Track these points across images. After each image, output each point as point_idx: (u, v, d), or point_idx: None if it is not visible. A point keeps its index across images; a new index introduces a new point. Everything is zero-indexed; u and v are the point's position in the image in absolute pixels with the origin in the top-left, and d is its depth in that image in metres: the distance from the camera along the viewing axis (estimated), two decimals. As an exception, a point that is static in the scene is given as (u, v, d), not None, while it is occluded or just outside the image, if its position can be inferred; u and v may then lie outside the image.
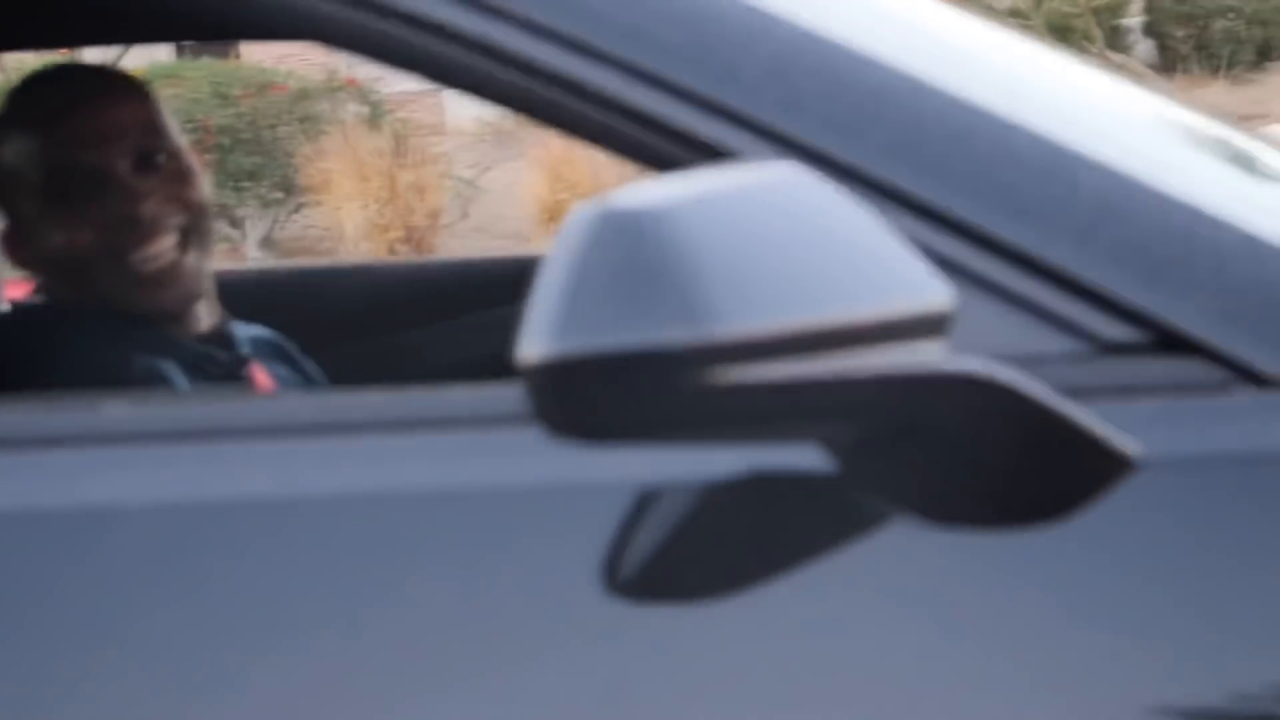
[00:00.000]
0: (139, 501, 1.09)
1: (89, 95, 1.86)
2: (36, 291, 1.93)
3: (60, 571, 1.08)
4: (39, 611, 1.07)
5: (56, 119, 1.84)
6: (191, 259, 1.85)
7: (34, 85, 1.89)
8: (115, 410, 1.13)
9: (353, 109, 11.88)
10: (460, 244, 10.77)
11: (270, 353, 2.02)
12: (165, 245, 1.83)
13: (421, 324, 2.41)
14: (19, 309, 1.90)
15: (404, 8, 1.19)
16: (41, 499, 1.10)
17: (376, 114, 11.80)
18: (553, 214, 10.57)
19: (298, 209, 11.20)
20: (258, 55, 12.25)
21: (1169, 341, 1.11)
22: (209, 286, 1.89)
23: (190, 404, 1.16)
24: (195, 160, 1.91)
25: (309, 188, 10.94)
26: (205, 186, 1.89)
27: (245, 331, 1.97)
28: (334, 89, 11.85)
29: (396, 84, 11.76)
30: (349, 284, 2.48)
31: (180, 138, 1.90)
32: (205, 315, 1.89)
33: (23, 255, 1.88)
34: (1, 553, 1.08)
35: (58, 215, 1.82)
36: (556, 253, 0.98)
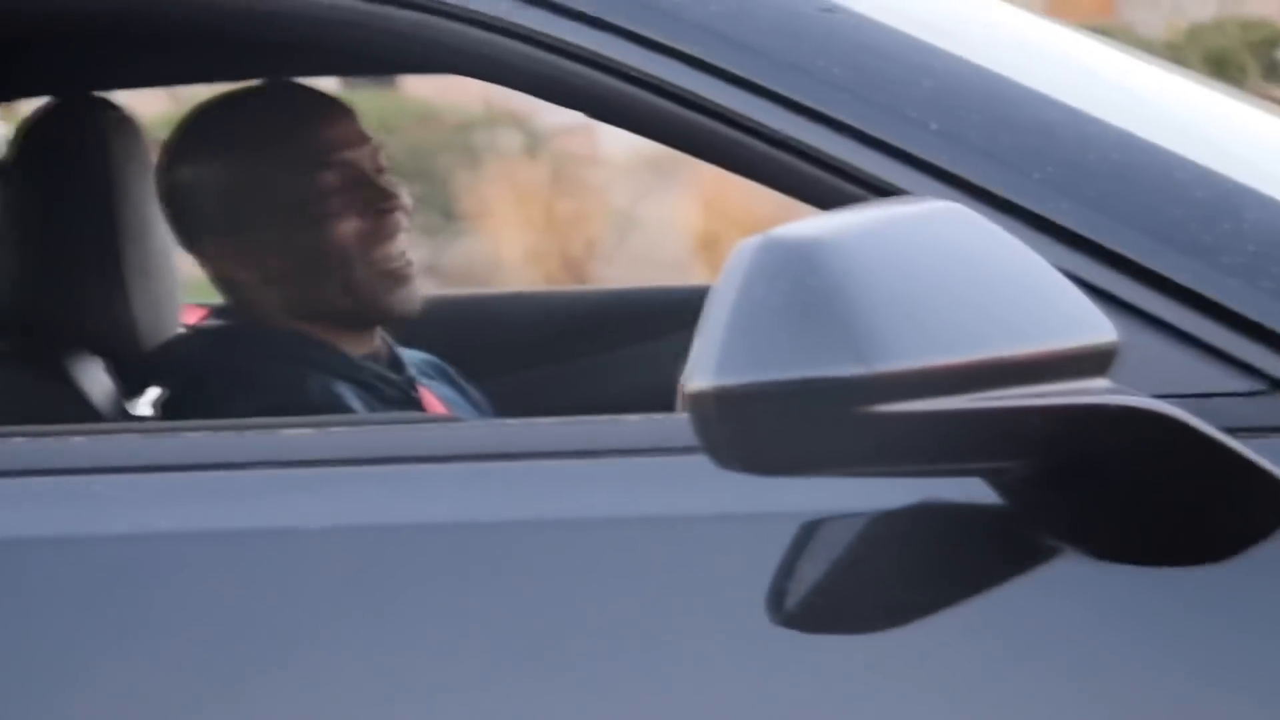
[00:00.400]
0: (320, 524, 1.12)
1: (325, 105, 1.92)
2: (215, 315, 1.98)
3: (244, 590, 1.11)
4: (224, 628, 1.11)
5: (306, 128, 1.89)
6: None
7: (262, 102, 1.94)
8: (298, 434, 1.17)
9: (511, 139, 11.99)
10: (616, 272, 10.82)
11: (435, 376, 2.06)
12: (405, 242, 1.90)
13: (584, 353, 2.44)
14: (199, 332, 1.96)
15: (568, 45, 1.22)
16: (227, 521, 1.13)
17: (534, 144, 11.90)
18: (708, 244, 10.58)
19: (458, 237, 11.33)
20: (418, 87, 12.42)
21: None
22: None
23: (370, 429, 1.20)
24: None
25: (469, 217, 11.06)
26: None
27: (409, 355, 2.02)
28: (493, 120, 11.97)
29: (554, 115, 11.85)
30: (513, 311, 2.51)
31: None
32: (378, 336, 1.94)
33: (242, 270, 1.89)
34: (190, 571, 1.12)
35: (311, 219, 1.86)
36: (723, 285, 1.00)
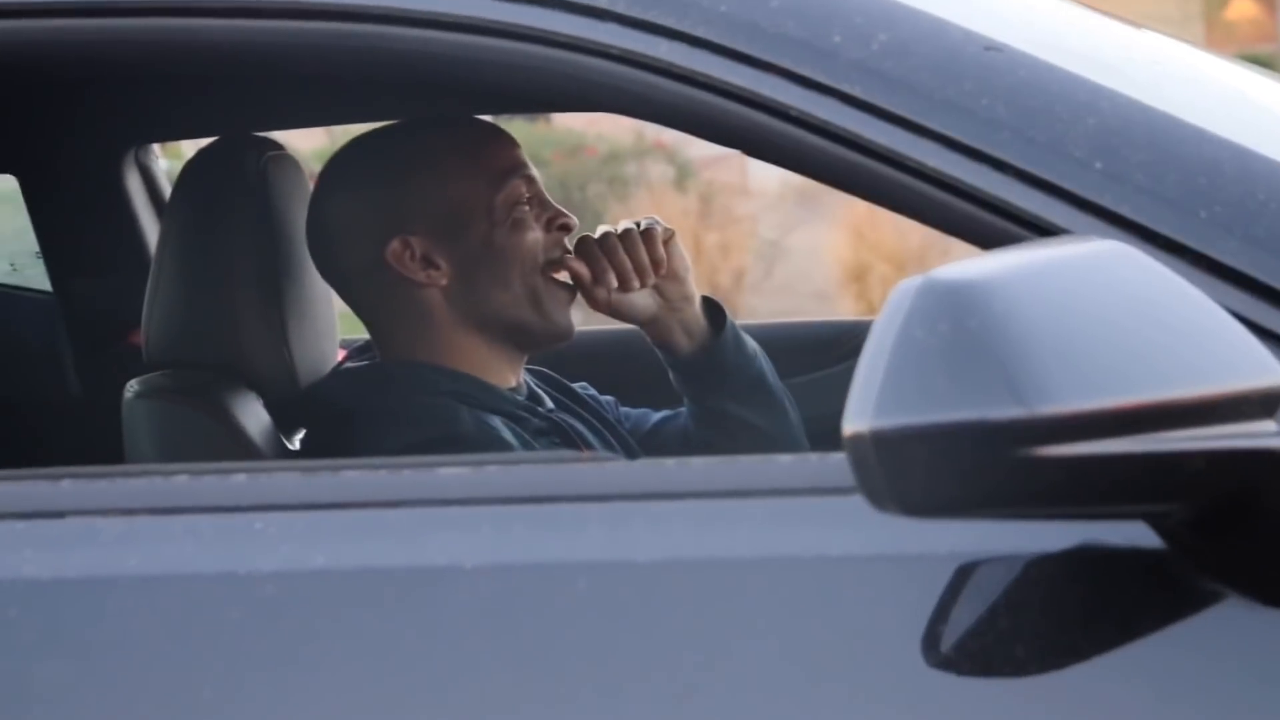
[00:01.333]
0: (475, 562, 1.13)
1: (498, 133, 1.97)
2: (354, 355, 2.00)
3: (400, 627, 1.12)
4: (380, 665, 1.12)
5: (501, 138, 1.94)
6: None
7: (438, 128, 1.96)
8: (453, 472, 1.17)
9: (660, 170, 12.04)
10: (765, 303, 10.81)
11: (572, 404, 2.07)
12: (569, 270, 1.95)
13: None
14: (352, 369, 1.98)
15: (735, 86, 1.22)
16: (384, 559, 1.14)
17: (683, 175, 11.94)
18: (856, 275, 10.55)
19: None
20: (568, 119, 12.52)
21: None
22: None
23: (525, 467, 1.21)
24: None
25: (617, 248, 11.12)
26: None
27: (540, 385, 2.03)
28: (642, 151, 12.03)
29: (703, 146, 11.89)
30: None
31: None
32: (521, 368, 1.96)
33: (432, 270, 1.90)
34: (348, 608, 1.13)
35: (499, 225, 1.89)
36: (882, 325, 1.00)
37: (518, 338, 1.93)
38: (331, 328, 2.03)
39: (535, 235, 1.91)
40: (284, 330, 1.94)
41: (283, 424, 1.97)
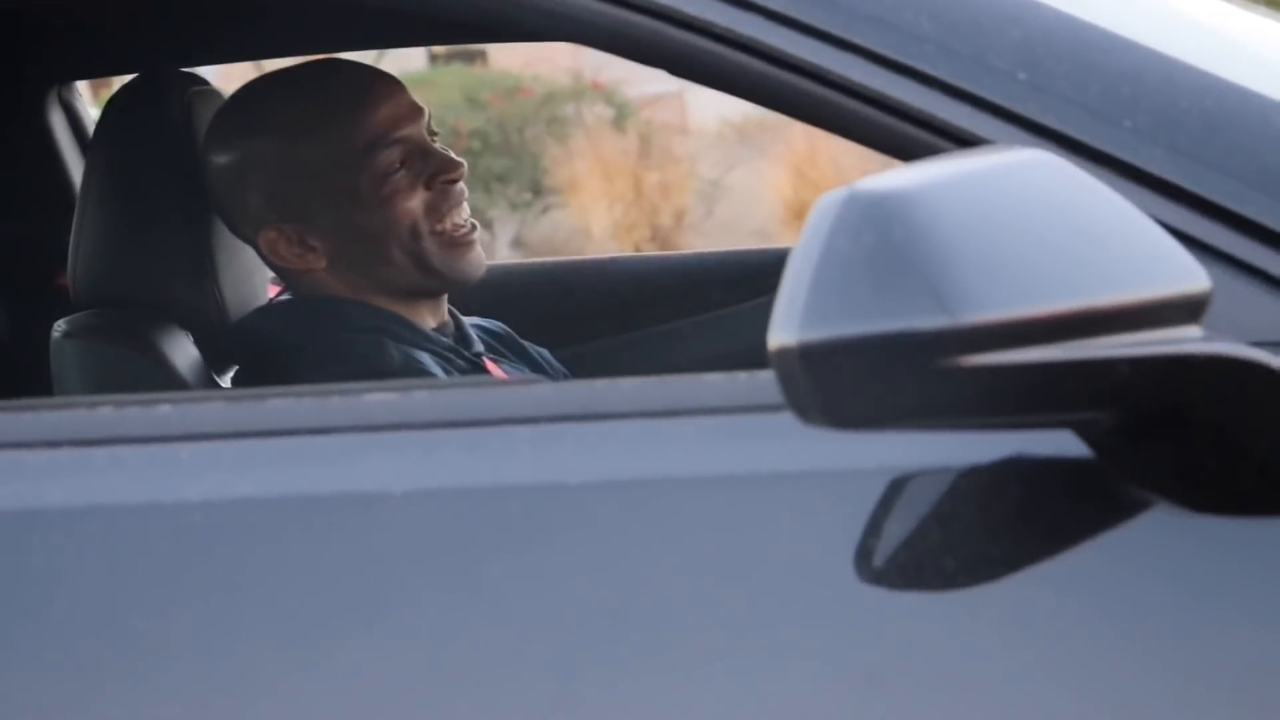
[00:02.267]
0: (403, 488, 1.12)
1: (380, 81, 1.90)
2: (286, 292, 1.99)
3: (328, 554, 1.12)
4: (308, 593, 1.11)
5: (361, 107, 1.87)
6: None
7: (311, 82, 1.92)
8: (380, 398, 1.16)
9: (598, 111, 12.00)
10: (705, 242, 10.81)
11: (502, 345, 2.06)
12: (468, 211, 1.90)
13: (669, 318, 2.43)
14: (280, 305, 1.96)
15: (655, 3, 1.21)
16: (311, 486, 1.14)
17: (622, 116, 11.90)
18: (797, 212, 10.55)
19: (546, 210, 11.37)
20: (505, 61, 12.44)
21: None
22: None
23: (451, 392, 1.20)
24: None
25: (556, 189, 11.09)
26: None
27: (475, 326, 2.02)
28: (580, 92, 11.98)
29: (641, 86, 11.83)
30: (599, 278, 2.51)
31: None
32: (445, 309, 1.94)
33: (302, 257, 1.88)
34: (275, 537, 1.12)
35: (375, 199, 1.85)
36: (805, 239, 0.99)
37: (417, 295, 1.90)
38: (261, 264, 2.01)
39: (412, 203, 1.85)
40: (212, 267, 1.92)
41: (213, 361, 1.95)
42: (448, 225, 1.88)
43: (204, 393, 1.72)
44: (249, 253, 1.98)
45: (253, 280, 1.99)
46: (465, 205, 1.90)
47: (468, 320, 2.00)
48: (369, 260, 1.87)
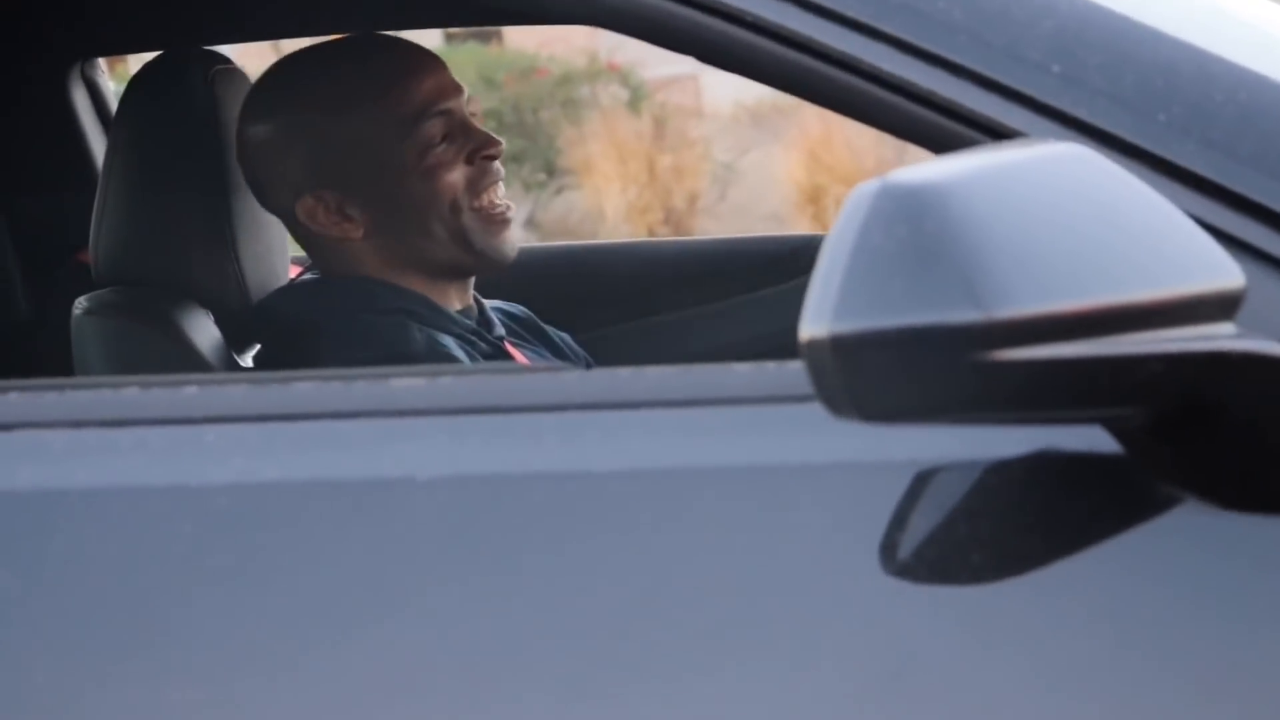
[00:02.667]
0: (429, 474, 1.12)
1: (419, 57, 1.90)
2: (312, 269, 1.98)
3: (352, 539, 1.11)
4: (332, 577, 1.11)
5: (405, 80, 1.87)
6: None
7: (354, 55, 1.92)
8: (406, 384, 1.16)
9: (613, 93, 11.99)
10: (719, 225, 10.80)
11: (523, 328, 2.06)
12: (504, 190, 1.91)
13: (688, 303, 2.43)
14: (303, 284, 1.96)
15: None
16: (335, 470, 1.13)
17: (637, 98, 11.89)
18: (811, 197, 10.53)
19: (560, 191, 11.36)
20: (521, 41, 12.43)
21: None
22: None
23: (479, 378, 1.19)
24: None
25: (570, 171, 11.08)
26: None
27: (497, 310, 2.01)
28: (595, 74, 11.97)
29: (656, 68, 11.81)
30: (618, 262, 2.51)
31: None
32: (471, 292, 1.94)
33: (339, 227, 1.87)
34: (299, 521, 1.12)
35: (417, 171, 1.85)
36: (838, 230, 0.99)
37: (451, 273, 1.90)
38: (282, 243, 2.01)
39: (453, 177, 1.86)
40: (234, 246, 1.92)
41: (233, 340, 1.95)
42: (485, 202, 1.88)
43: (229, 375, 1.72)
44: (271, 232, 1.97)
45: (273, 260, 1.99)
46: (502, 184, 1.90)
47: (490, 303, 2.00)
48: (408, 232, 1.87)
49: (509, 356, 1.93)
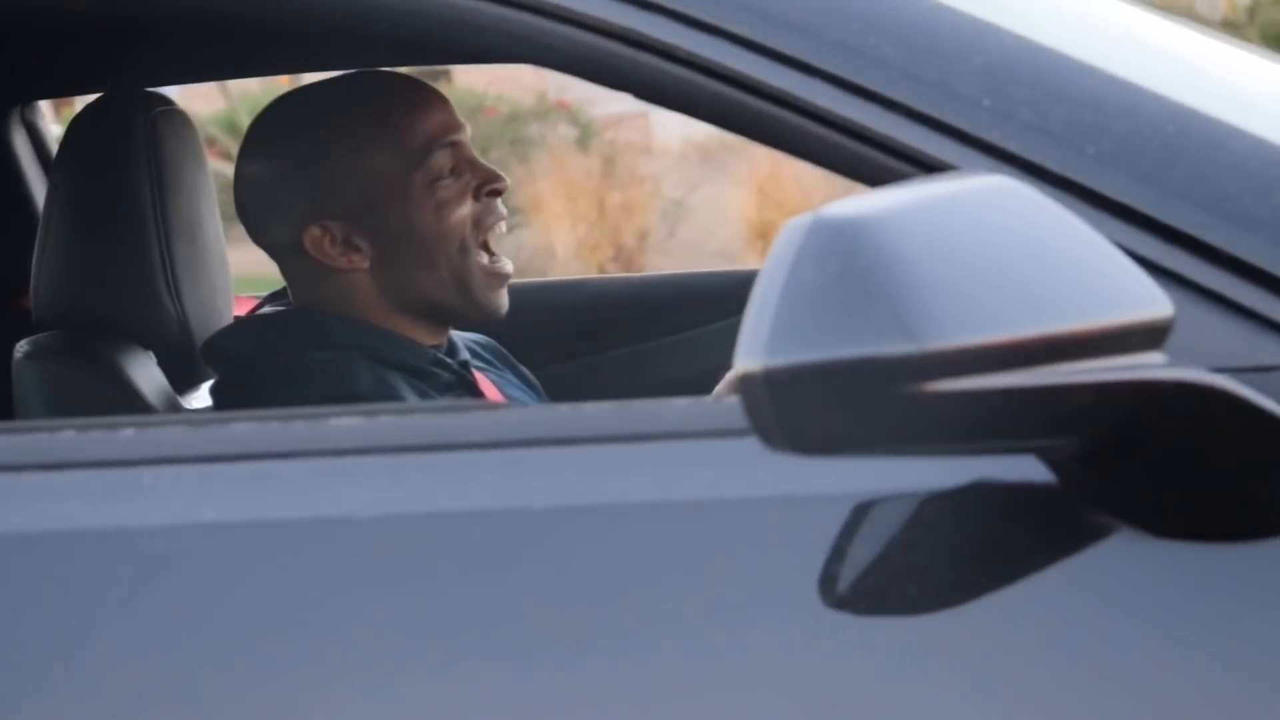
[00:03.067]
0: (368, 513, 1.12)
1: (430, 91, 1.90)
2: (271, 300, 1.98)
3: (291, 579, 1.11)
4: (272, 618, 1.11)
5: (420, 109, 1.87)
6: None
7: (368, 89, 1.91)
8: (345, 423, 1.16)
9: (562, 131, 12.01)
10: (669, 262, 10.82)
11: (490, 358, 2.06)
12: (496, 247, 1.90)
13: (635, 339, 2.43)
14: (250, 321, 1.95)
15: (619, 27, 1.21)
16: (274, 511, 1.13)
17: (586, 135, 11.92)
18: (760, 232, 10.57)
19: (510, 230, 11.38)
20: (470, 80, 12.45)
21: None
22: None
23: (417, 417, 1.19)
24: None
25: (520, 209, 11.09)
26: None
27: (463, 338, 2.01)
28: (544, 111, 11.99)
29: (605, 106, 11.85)
30: (568, 299, 2.51)
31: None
32: (446, 335, 1.93)
33: (342, 257, 1.86)
34: (238, 562, 1.12)
35: (433, 197, 1.85)
36: (771, 265, 0.99)
37: (443, 317, 1.90)
38: (226, 283, 2.00)
39: (461, 212, 1.85)
40: (175, 286, 1.91)
41: (178, 381, 1.95)
42: (491, 240, 1.87)
43: (167, 416, 1.72)
44: (214, 272, 1.97)
45: (216, 301, 1.99)
46: (504, 224, 1.90)
47: (458, 335, 1.99)
48: (414, 266, 1.86)
49: (474, 385, 1.92)
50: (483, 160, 1.89)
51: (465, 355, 1.95)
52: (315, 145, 1.86)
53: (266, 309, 1.96)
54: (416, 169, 1.84)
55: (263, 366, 1.83)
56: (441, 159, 1.85)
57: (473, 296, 1.87)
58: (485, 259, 1.87)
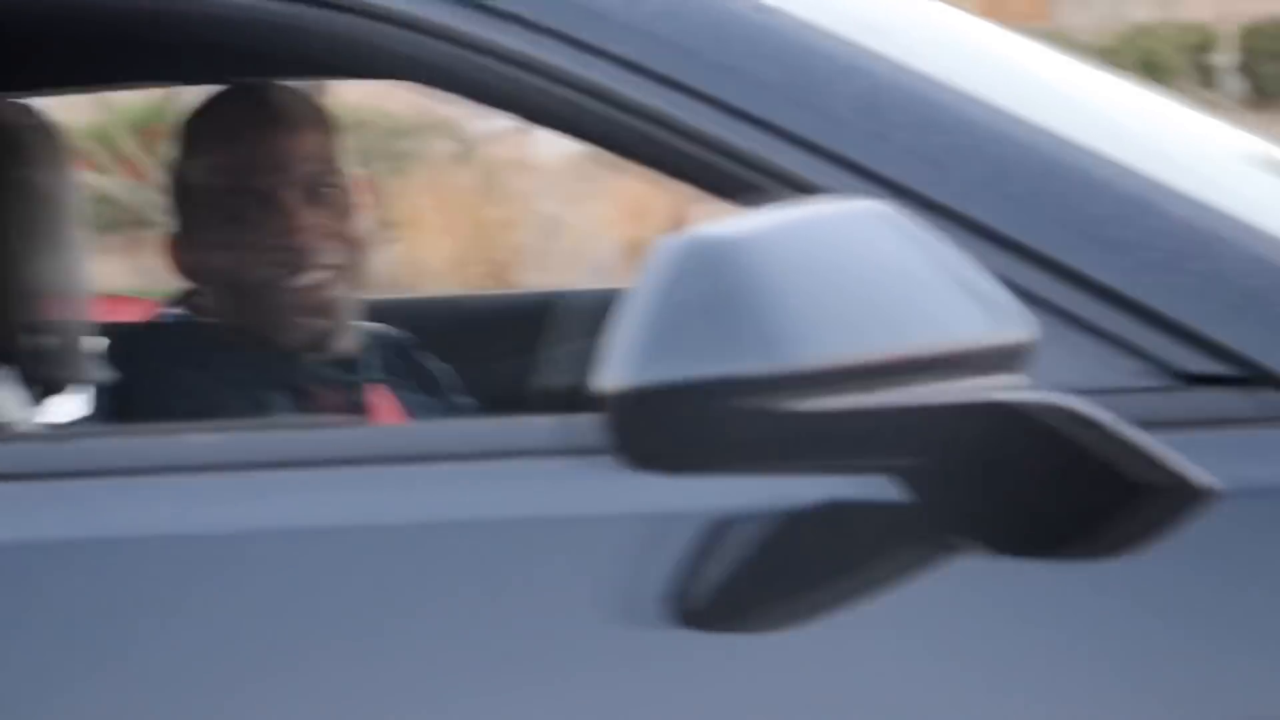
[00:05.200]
0: (221, 530, 1.10)
1: (270, 119, 1.90)
2: (173, 306, 1.97)
3: (134, 595, 1.09)
4: (133, 633, 1.09)
5: (237, 139, 1.89)
6: (341, 292, 1.89)
7: (218, 103, 1.94)
8: (203, 439, 1.14)
9: (441, 145, 11.97)
10: (542, 277, 10.82)
11: (400, 360, 2.02)
12: (319, 277, 1.88)
13: (503, 355, 2.42)
14: (121, 333, 1.94)
15: (497, 46, 1.20)
16: (122, 529, 1.11)
17: (465, 151, 11.89)
18: (635, 249, 10.60)
19: (387, 244, 11.32)
20: (347, 95, 12.38)
21: (1253, 374, 1.10)
22: (353, 315, 1.92)
23: (275, 433, 1.18)
24: (357, 195, 1.95)
25: (398, 224, 11.04)
26: (364, 222, 1.94)
27: (375, 331, 1.99)
28: (422, 126, 11.95)
29: (484, 122, 11.83)
30: (433, 314, 2.49)
31: (346, 171, 1.94)
32: (338, 340, 1.92)
33: (184, 264, 1.92)
34: (77, 576, 1.10)
35: (225, 233, 1.87)
36: (639, 284, 0.99)
37: (276, 332, 1.88)
38: (85, 294, 1.97)
39: (251, 257, 1.86)
40: (21, 295, 1.88)
41: (34, 392, 1.91)
42: (283, 287, 1.86)
43: (6, 431, 1.68)
44: (72, 283, 1.94)
45: (76, 309, 1.95)
46: (319, 270, 1.88)
47: (372, 326, 1.98)
48: (227, 295, 1.88)
49: (364, 402, 1.90)
50: (328, 193, 1.89)
51: (372, 374, 1.92)
52: (181, 155, 1.91)
53: (126, 323, 1.95)
54: (249, 190, 1.87)
55: (126, 379, 1.82)
56: (278, 182, 1.86)
57: (276, 327, 1.88)
58: (287, 291, 1.87)
